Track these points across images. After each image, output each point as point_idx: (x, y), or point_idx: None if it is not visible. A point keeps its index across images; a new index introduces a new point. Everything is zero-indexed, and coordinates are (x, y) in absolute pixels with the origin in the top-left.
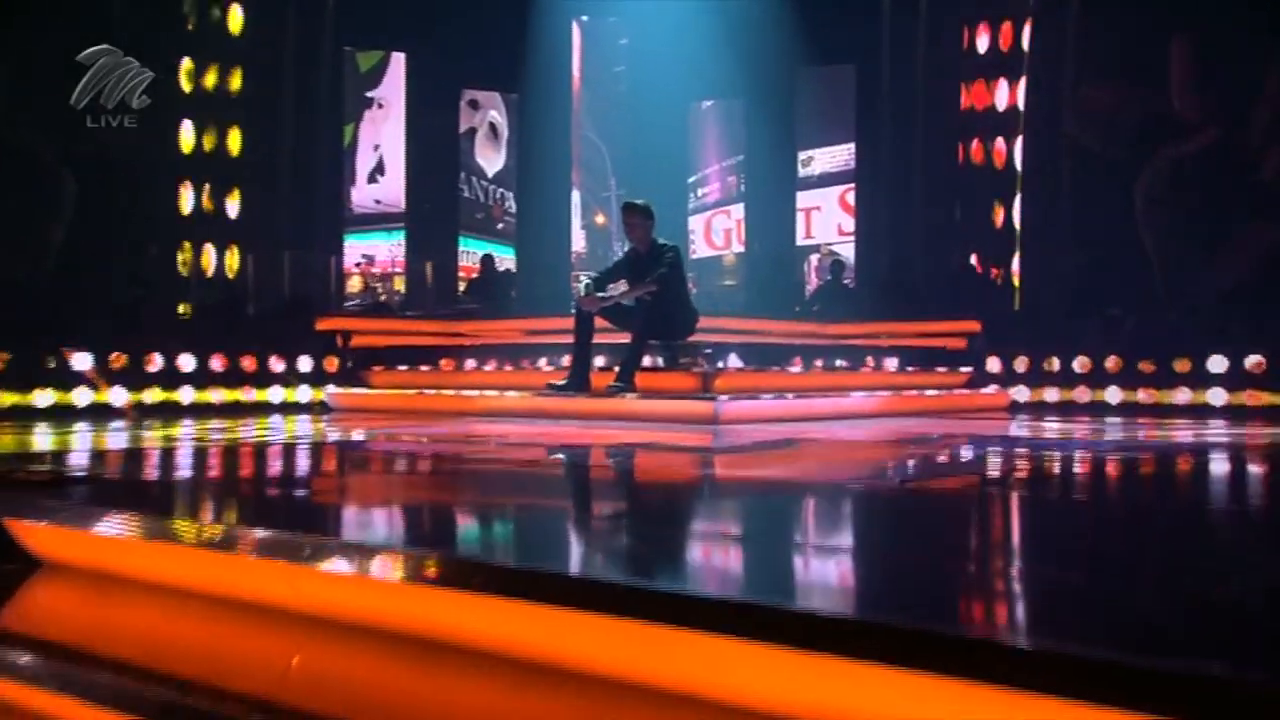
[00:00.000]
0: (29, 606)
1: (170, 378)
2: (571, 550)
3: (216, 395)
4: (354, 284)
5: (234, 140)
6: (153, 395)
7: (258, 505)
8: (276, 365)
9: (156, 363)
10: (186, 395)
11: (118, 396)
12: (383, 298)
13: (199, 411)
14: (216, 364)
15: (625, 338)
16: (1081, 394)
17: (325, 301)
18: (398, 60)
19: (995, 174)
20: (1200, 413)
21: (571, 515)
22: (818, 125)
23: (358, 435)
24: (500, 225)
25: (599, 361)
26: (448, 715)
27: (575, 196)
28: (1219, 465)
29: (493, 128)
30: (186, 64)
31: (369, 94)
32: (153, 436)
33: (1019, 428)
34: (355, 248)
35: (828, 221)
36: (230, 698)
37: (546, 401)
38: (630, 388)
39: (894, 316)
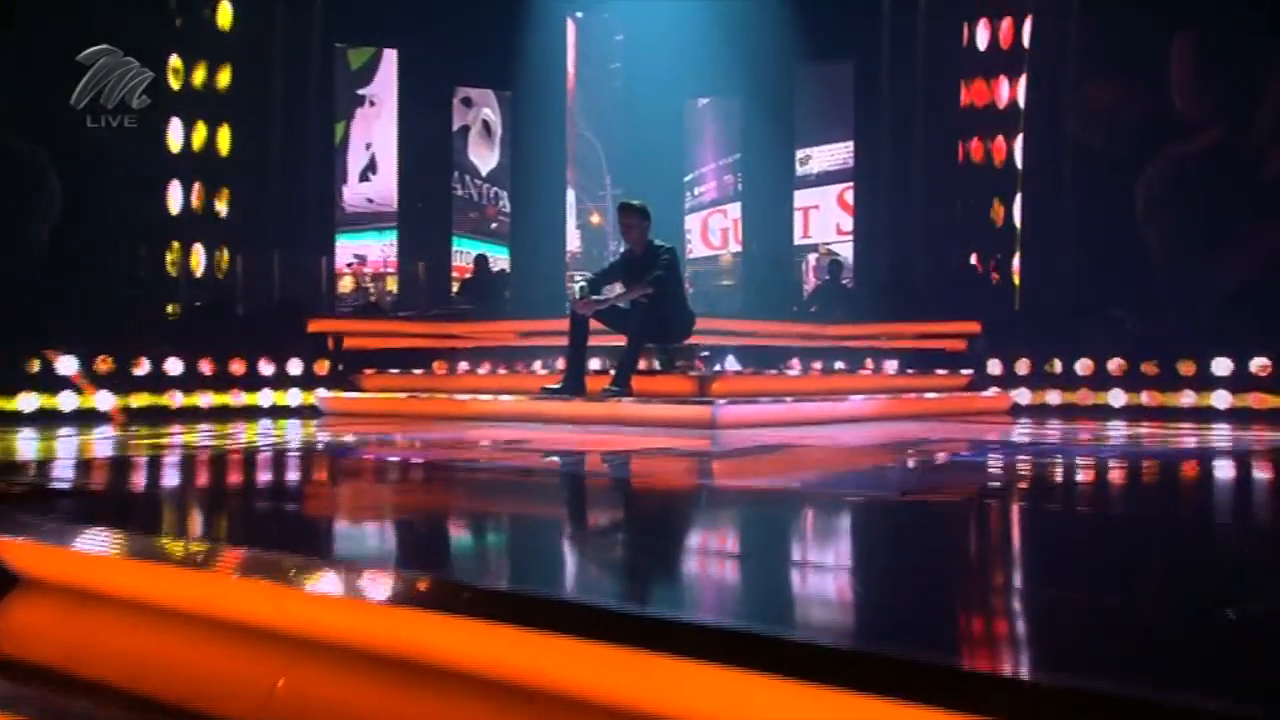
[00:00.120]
0: (5, 625)
1: (158, 381)
2: (561, 570)
3: (205, 399)
4: (345, 284)
5: (223, 138)
6: (140, 399)
7: (242, 521)
8: (266, 368)
9: (144, 366)
10: (174, 399)
11: (104, 401)
12: (375, 298)
13: (187, 416)
14: (205, 367)
15: (621, 340)
16: (1084, 397)
17: (316, 302)
18: (389, 57)
19: (995, 172)
20: (1205, 416)
21: (563, 531)
22: (816, 123)
23: (348, 442)
24: (494, 225)
25: (594, 364)
26: None
27: (570, 195)
28: (1228, 472)
29: (486, 125)
30: (174, 61)
31: (360, 91)
32: (137, 444)
33: (1021, 433)
34: (347, 247)
35: (826, 221)
36: None
37: (541, 405)
38: (626, 391)
39: (893, 317)
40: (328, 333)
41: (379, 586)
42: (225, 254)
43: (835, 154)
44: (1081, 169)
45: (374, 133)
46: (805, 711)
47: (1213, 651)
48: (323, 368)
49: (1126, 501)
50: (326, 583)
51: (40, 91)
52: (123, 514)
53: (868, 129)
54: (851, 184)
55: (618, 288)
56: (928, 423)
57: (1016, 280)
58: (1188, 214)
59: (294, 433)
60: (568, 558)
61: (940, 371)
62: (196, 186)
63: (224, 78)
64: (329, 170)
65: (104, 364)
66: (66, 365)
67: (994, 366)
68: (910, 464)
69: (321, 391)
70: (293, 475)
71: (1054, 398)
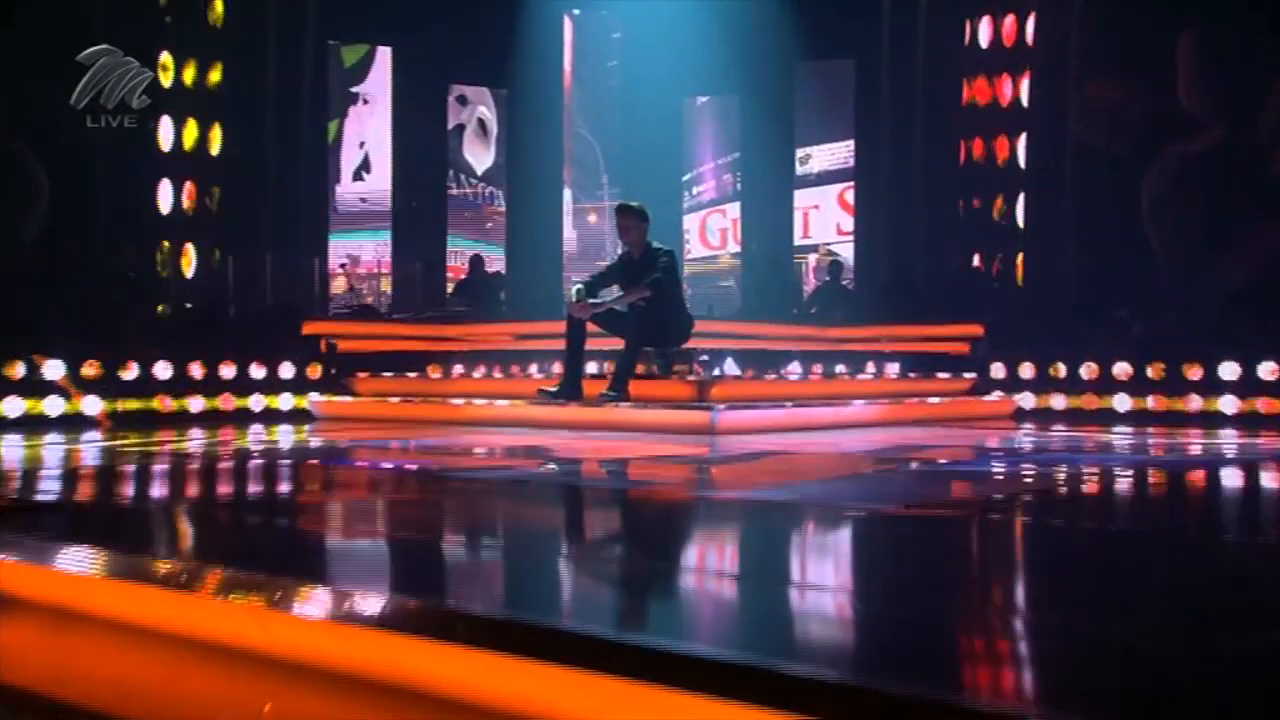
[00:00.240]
0: None
1: (147, 385)
2: (555, 593)
3: (195, 404)
4: (339, 285)
5: (214, 137)
6: (128, 404)
7: (229, 538)
8: (257, 372)
9: (132, 370)
10: (164, 404)
11: (91, 406)
12: (368, 300)
13: (177, 421)
14: (195, 371)
15: (618, 344)
16: (1089, 401)
17: (309, 304)
18: (383, 54)
19: (998, 171)
20: (1212, 421)
21: (557, 550)
22: (816, 122)
23: (340, 449)
24: (489, 224)
25: (591, 368)
26: None
27: (567, 195)
28: (1237, 481)
29: (482, 124)
30: (165, 58)
31: (354, 89)
32: (124, 452)
33: (1024, 440)
34: (340, 248)
35: (826, 221)
36: None
37: (537, 410)
38: (624, 396)
39: (894, 319)
40: (321, 336)
41: (368, 610)
42: (216, 254)
43: (835, 153)
44: (1083, 168)
45: (367, 131)
46: None
47: (1223, 683)
48: (315, 371)
49: (1132, 516)
50: (314, 605)
51: (30, 88)
52: (105, 531)
53: (868, 128)
54: (852, 184)
55: (615, 290)
56: (931, 428)
57: (1020, 280)
58: (1190, 214)
59: (285, 439)
60: (562, 580)
61: (942, 375)
62: (187, 186)
63: (215, 75)
64: (322, 169)
65: (91, 368)
66: (53, 370)
67: (997, 370)
68: (912, 474)
69: (314, 396)
70: (282, 488)
71: (1058, 402)
